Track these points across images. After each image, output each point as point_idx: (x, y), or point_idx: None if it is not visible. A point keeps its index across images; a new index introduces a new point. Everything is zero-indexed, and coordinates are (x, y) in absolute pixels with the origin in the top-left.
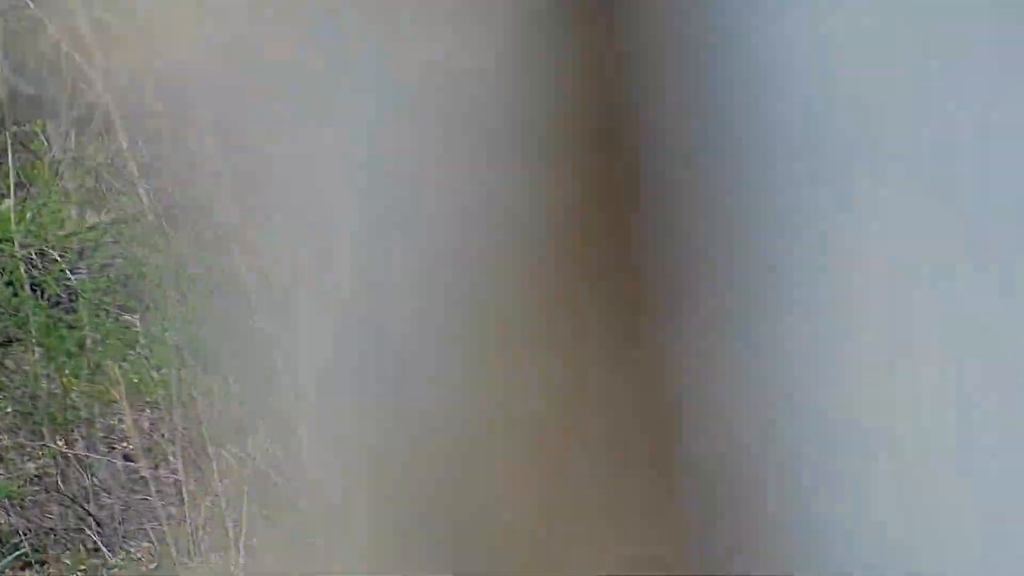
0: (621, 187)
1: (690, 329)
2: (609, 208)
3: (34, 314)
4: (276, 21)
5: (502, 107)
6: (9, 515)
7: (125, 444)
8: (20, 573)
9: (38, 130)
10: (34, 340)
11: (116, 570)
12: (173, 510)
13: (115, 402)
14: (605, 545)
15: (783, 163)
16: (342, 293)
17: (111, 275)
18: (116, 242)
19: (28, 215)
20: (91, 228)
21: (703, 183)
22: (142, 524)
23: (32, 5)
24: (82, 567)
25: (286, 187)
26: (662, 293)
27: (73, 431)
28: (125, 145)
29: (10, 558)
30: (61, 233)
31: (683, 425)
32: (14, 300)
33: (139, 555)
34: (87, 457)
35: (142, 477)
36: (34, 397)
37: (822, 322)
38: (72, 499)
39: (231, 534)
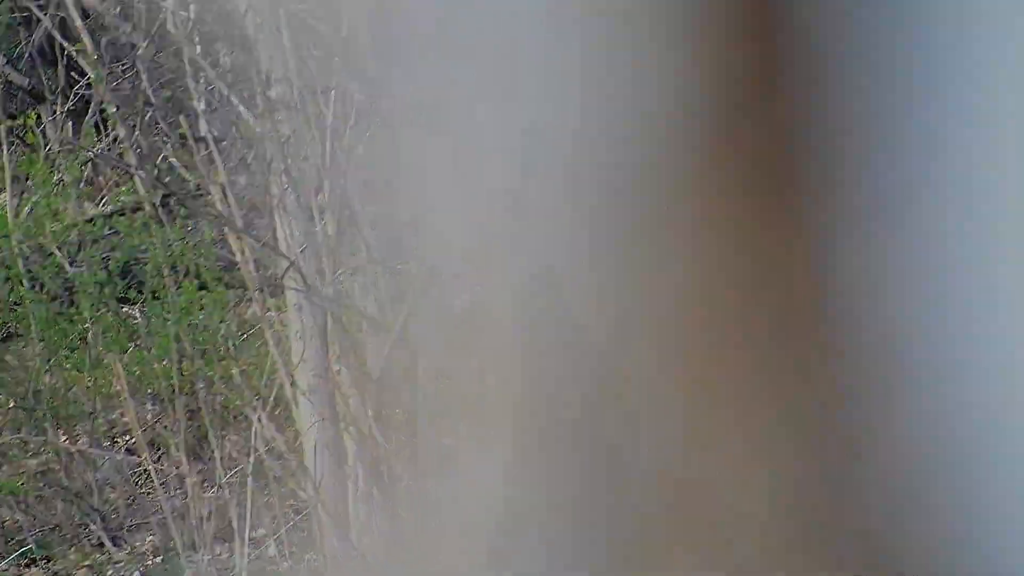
0: (772, 66)
1: (844, 212)
2: (759, 87)
3: (34, 309)
4: None
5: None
6: (13, 512)
7: (128, 438)
8: (25, 570)
9: (32, 122)
10: (35, 335)
11: (121, 564)
12: (177, 503)
13: (117, 395)
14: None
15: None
16: (488, 207)
17: (110, 267)
18: (115, 234)
19: (25, 209)
20: (89, 220)
21: (859, 59)
22: (146, 518)
23: None
24: (87, 563)
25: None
26: (815, 174)
27: (76, 426)
28: (122, 134)
29: (15, 555)
30: (59, 226)
31: (834, 305)
32: (13, 295)
33: (144, 549)
34: (90, 452)
35: (145, 470)
36: (36, 392)
37: (974, 211)
38: (76, 495)
39: (235, 525)
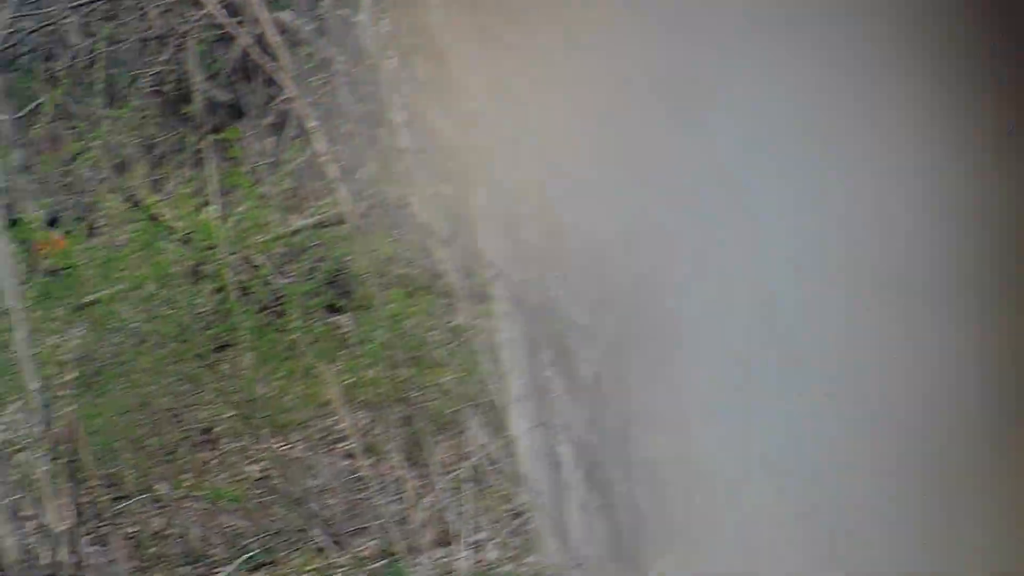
0: None
1: None
2: None
3: (244, 319)
4: None
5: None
6: (238, 518)
7: (344, 444)
8: (250, 575)
9: (234, 137)
10: (246, 345)
11: (344, 569)
12: (395, 507)
13: (330, 403)
14: None
15: None
16: (773, 282)
17: (317, 277)
18: (320, 244)
19: (232, 222)
20: (295, 232)
21: None
22: (366, 522)
23: (220, 17)
24: (310, 568)
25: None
26: None
27: (292, 433)
28: (324, 147)
29: (240, 560)
30: (264, 238)
31: None
32: (224, 306)
33: (365, 553)
34: (308, 458)
35: (363, 476)
36: (251, 401)
37: None
38: (296, 500)
39: (455, 529)
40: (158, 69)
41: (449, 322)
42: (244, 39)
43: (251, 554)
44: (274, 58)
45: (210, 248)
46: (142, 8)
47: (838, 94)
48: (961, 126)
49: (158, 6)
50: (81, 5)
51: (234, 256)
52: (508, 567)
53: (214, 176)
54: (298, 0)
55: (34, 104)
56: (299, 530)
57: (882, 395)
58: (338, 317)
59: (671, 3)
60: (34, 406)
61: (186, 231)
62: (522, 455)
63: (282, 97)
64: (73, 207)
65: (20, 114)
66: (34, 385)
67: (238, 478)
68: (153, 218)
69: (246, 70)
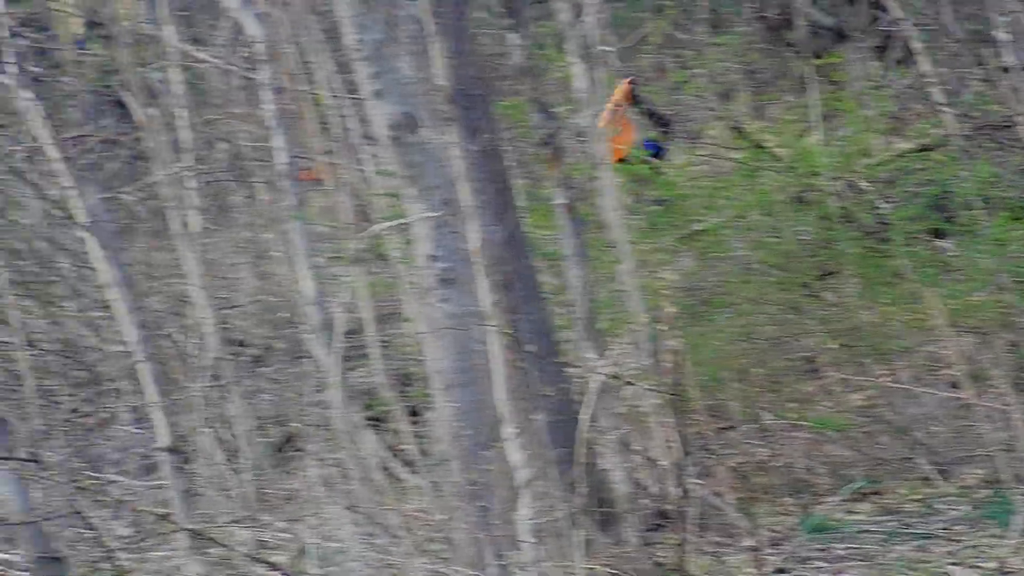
0: None
1: None
2: None
3: (848, 246)
4: None
5: None
6: (842, 448)
7: (949, 371)
8: (852, 505)
9: (837, 61)
10: (850, 272)
11: (950, 498)
12: (1002, 435)
13: (935, 329)
14: None
15: None
16: None
17: (921, 202)
18: (923, 168)
19: (835, 147)
20: (898, 156)
21: None
22: (972, 451)
23: None
24: (914, 496)
25: None
26: None
27: (895, 360)
28: (927, 69)
29: (852, 486)
30: (868, 162)
31: None
32: (829, 233)
33: (971, 482)
34: (912, 388)
35: (968, 404)
36: (854, 329)
37: None
38: (900, 429)
39: None
40: None
41: None
42: None
43: (856, 484)
44: None
45: (813, 174)
46: None
47: None
48: None
49: None
50: None
51: (838, 182)
52: None
53: (817, 101)
54: None
55: (640, 34)
56: (903, 459)
57: None
58: (942, 242)
59: None
60: (642, 339)
61: (790, 158)
62: None
63: (887, 19)
64: (678, 136)
65: (627, 45)
66: (641, 317)
67: (841, 408)
68: (757, 145)
69: None
